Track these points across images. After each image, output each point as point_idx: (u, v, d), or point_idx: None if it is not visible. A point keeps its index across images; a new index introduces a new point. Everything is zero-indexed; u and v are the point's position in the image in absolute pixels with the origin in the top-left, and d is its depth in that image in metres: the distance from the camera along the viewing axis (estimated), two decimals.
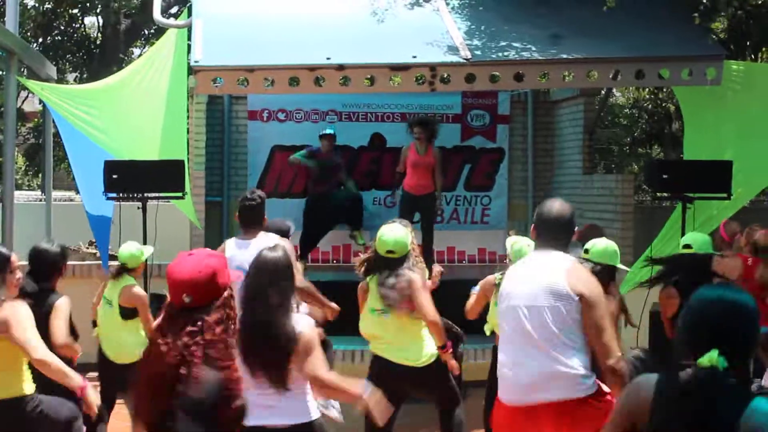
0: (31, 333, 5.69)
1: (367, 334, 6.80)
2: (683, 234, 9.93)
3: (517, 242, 7.49)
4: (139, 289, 7.93)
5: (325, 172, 12.59)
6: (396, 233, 6.70)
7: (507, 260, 7.52)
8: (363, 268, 6.80)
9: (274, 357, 4.84)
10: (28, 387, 5.85)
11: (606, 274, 6.57)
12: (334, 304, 7.62)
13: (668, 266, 7.41)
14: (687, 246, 7.48)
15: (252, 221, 7.69)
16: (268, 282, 4.94)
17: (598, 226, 9.52)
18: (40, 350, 5.67)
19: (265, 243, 6.00)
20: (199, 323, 3.58)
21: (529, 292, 5.00)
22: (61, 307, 6.76)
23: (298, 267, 6.79)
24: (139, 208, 9.91)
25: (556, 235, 5.22)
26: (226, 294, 3.71)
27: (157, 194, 10.06)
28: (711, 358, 3.14)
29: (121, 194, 9.80)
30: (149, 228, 9.86)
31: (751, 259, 8.64)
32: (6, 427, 5.69)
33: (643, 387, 3.39)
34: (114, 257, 10.82)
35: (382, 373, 6.61)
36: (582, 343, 4.93)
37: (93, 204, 10.41)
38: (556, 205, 5.31)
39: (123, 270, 7.95)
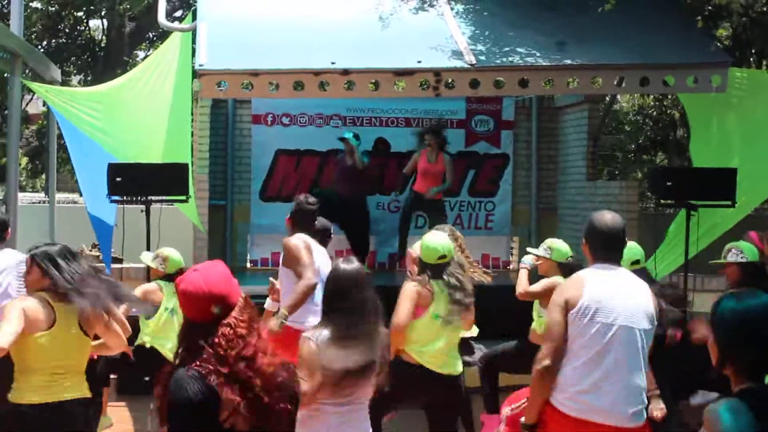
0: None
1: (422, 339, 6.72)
2: (687, 242, 9.93)
3: (555, 242, 7.83)
4: None
5: (342, 172, 12.60)
6: (441, 239, 6.73)
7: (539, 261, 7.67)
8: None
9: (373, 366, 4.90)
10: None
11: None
12: None
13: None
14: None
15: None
16: (365, 290, 5.02)
17: None
18: None
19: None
20: (210, 337, 3.66)
21: (630, 312, 4.95)
22: None
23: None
24: (142, 211, 9.91)
25: (620, 248, 5.21)
26: (236, 312, 3.75)
27: (160, 197, 10.05)
28: None
29: (124, 197, 9.81)
30: (153, 231, 9.86)
31: None
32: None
33: (731, 415, 3.28)
34: (117, 260, 10.86)
35: (423, 381, 6.57)
36: None
37: (96, 207, 10.41)
38: (610, 217, 5.22)
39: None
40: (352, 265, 5.09)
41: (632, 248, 7.24)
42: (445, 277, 6.49)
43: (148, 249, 9.76)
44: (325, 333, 4.84)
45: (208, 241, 11.90)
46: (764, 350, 3.22)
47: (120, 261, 11.41)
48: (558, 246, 7.76)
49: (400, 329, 6.33)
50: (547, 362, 4.94)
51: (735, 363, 3.31)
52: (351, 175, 12.53)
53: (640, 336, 4.92)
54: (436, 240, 6.66)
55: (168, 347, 7.91)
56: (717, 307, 3.44)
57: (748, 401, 3.23)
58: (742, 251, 7.37)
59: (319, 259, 7.39)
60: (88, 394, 5.45)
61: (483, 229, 14.08)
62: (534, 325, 7.83)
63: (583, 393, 4.91)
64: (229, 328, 3.67)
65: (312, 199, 7.77)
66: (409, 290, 6.46)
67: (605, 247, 5.14)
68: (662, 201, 10.36)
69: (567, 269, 7.35)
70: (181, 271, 8.13)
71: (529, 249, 8.17)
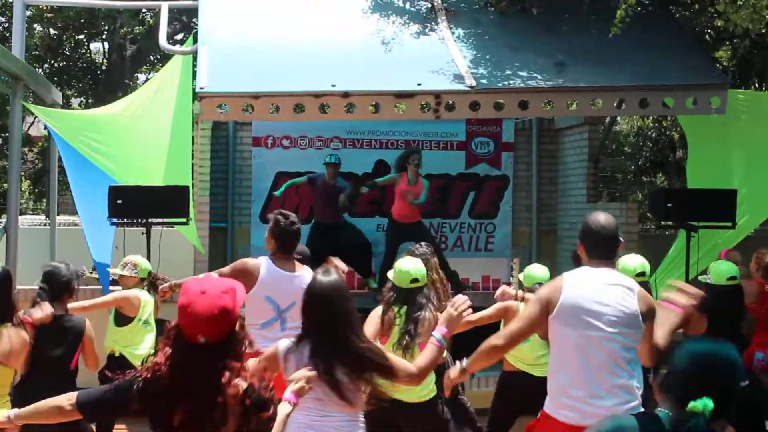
0: None
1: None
2: (688, 263, 9.93)
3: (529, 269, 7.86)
4: None
5: (329, 198, 12.59)
6: (414, 263, 6.70)
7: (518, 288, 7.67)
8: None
9: (356, 377, 4.83)
10: None
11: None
12: None
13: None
14: (732, 278, 7.45)
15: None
16: (339, 303, 4.92)
17: None
18: None
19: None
20: (221, 359, 3.63)
21: (610, 315, 4.96)
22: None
23: None
24: (143, 233, 9.91)
25: (613, 247, 5.23)
26: (237, 326, 3.72)
27: (161, 219, 10.06)
28: (705, 405, 3.20)
29: (125, 219, 9.82)
30: (153, 253, 9.86)
31: (767, 285, 8.73)
32: None
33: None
34: (115, 282, 10.84)
35: (394, 412, 6.52)
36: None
37: (93, 231, 10.40)
38: (604, 217, 5.25)
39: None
40: (330, 277, 5.01)
41: (637, 261, 7.36)
42: (409, 304, 6.50)
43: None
44: (302, 344, 4.84)
45: (209, 263, 11.88)
46: (695, 386, 3.32)
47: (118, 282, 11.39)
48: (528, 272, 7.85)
49: None
50: (498, 342, 5.17)
51: (669, 392, 3.42)
52: (332, 195, 12.57)
53: (622, 338, 4.93)
54: (408, 264, 6.66)
55: (137, 353, 7.90)
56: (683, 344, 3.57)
57: (643, 423, 3.43)
58: (709, 273, 7.49)
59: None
60: None
61: (483, 251, 14.08)
62: None
63: (573, 400, 4.97)
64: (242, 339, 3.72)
65: (293, 218, 7.32)
66: (373, 314, 6.55)
67: (598, 247, 5.18)
68: (662, 222, 10.37)
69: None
70: (151, 276, 8.22)
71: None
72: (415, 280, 6.58)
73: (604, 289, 5.02)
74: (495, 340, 5.17)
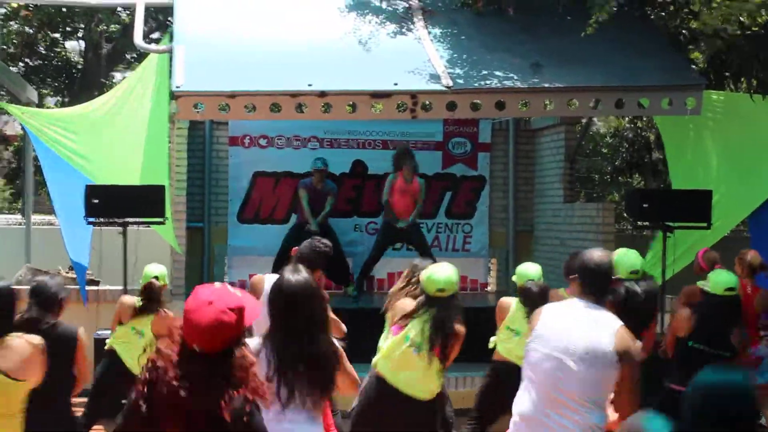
0: None
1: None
2: (664, 263, 9.98)
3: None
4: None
5: (316, 201, 12.56)
6: (448, 271, 6.67)
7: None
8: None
9: (319, 378, 4.83)
10: None
11: None
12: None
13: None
14: (730, 289, 7.43)
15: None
16: (304, 303, 4.89)
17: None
18: None
19: None
20: (218, 369, 3.62)
21: (573, 348, 4.91)
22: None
23: None
24: (119, 233, 9.88)
25: (599, 285, 5.14)
26: (241, 339, 3.73)
27: (137, 219, 10.03)
28: None
29: (101, 219, 9.78)
30: (130, 253, 9.83)
31: (750, 287, 8.78)
32: None
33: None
34: (93, 282, 10.82)
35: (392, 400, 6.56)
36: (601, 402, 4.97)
37: (71, 230, 10.37)
38: (597, 254, 5.19)
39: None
40: (298, 275, 4.99)
41: (630, 257, 7.16)
42: (434, 312, 6.49)
43: (125, 271, 9.73)
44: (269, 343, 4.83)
45: (186, 263, 11.86)
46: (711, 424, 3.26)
47: (96, 283, 11.37)
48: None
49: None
50: None
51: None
52: (320, 200, 12.55)
53: (578, 371, 4.86)
54: (440, 272, 6.63)
55: (130, 362, 7.90)
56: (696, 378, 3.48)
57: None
58: (708, 281, 7.51)
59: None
60: None
61: (461, 251, 14.09)
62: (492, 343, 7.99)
63: (517, 419, 5.06)
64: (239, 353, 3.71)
65: (326, 241, 7.46)
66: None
67: (590, 284, 5.12)
68: (639, 223, 10.41)
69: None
70: (152, 285, 8.16)
71: None
72: (442, 290, 6.55)
73: (578, 324, 4.97)
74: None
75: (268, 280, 7.05)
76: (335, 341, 5.04)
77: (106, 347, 8.25)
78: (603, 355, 4.85)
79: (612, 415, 4.96)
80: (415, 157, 12.46)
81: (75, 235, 10.42)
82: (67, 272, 12.26)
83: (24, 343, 5.09)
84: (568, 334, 4.94)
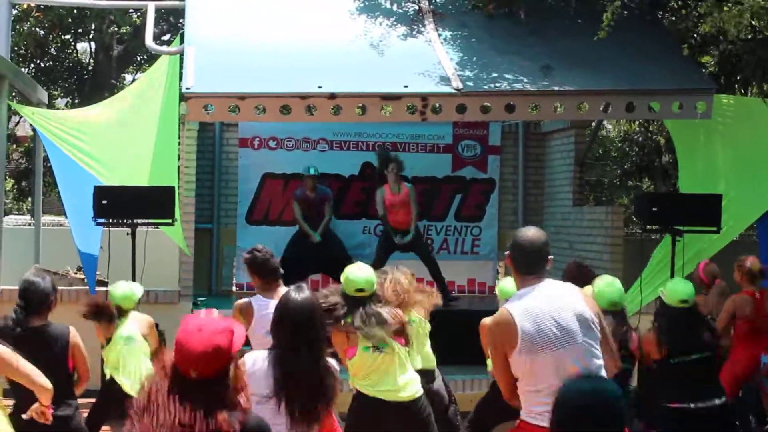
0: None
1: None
2: (673, 267, 9.95)
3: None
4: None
5: (309, 209, 12.55)
6: (365, 272, 6.62)
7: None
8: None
9: (315, 396, 4.83)
10: None
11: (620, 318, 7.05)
12: None
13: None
14: (684, 301, 7.38)
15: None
16: (308, 323, 4.91)
17: (584, 265, 9.34)
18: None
19: None
20: (212, 395, 3.63)
21: (565, 331, 4.91)
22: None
23: None
24: (128, 234, 9.88)
25: (543, 261, 5.13)
26: (232, 366, 3.74)
27: (146, 220, 10.03)
28: None
29: (110, 220, 9.78)
30: (138, 254, 9.83)
31: (758, 293, 8.76)
32: None
33: None
34: (102, 283, 10.82)
35: (382, 411, 6.51)
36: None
37: (81, 231, 10.38)
38: (532, 232, 5.21)
39: (120, 312, 7.91)
40: (302, 294, 4.99)
41: (612, 288, 7.20)
42: (360, 311, 6.39)
43: (134, 272, 9.72)
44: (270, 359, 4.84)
45: (194, 264, 11.87)
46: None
47: (105, 284, 11.36)
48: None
49: None
50: (512, 401, 5.12)
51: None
52: (317, 208, 12.53)
53: (582, 347, 4.90)
54: (357, 272, 6.57)
55: (128, 383, 7.71)
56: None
57: None
58: (664, 291, 7.46)
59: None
60: None
61: (469, 254, 14.09)
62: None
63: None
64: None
65: (260, 246, 7.40)
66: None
67: (527, 262, 5.12)
68: (648, 226, 10.38)
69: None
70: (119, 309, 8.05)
71: None
72: (361, 290, 6.48)
73: (547, 310, 4.95)
74: (510, 401, 5.16)
75: (255, 304, 7.07)
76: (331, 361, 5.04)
77: (106, 376, 8.17)
78: (586, 319, 4.93)
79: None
80: (396, 160, 12.20)
81: (85, 236, 10.43)
82: (76, 273, 12.27)
83: None
84: (553, 323, 4.91)
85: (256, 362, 4.83)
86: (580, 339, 4.90)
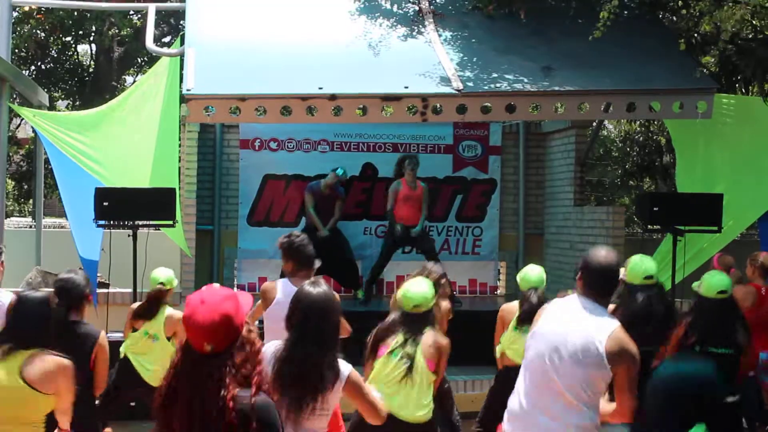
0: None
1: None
2: (674, 267, 9.96)
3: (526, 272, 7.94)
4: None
5: (325, 205, 12.55)
6: (423, 288, 6.51)
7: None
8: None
9: (318, 395, 4.78)
10: None
11: None
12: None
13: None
14: (723, 292, 7.38)
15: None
16: (318, 319, 4.86)
17: None
18: None
19: None
20: (226, 368, 3.62)
21: (563, 342, 4.89)
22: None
23: None
24: (129, 235, 9.88)
25: (608, 285, 5.07)
26: (244, 332, 3.73)
27: (147, 222, 10.04)
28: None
29: (111, 222, 9.78)
30: (139, 256, 9.83)
31: (764, 288, 8.75)
32: None
33: None
34: (103, 284, 10.83)
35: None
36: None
37: (82, 233, 10.38)
38: (602, 254, 5.11)
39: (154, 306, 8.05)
40: (318, 288, 4.94)
41: (645, 263, 7.10)
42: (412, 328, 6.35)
43: (135, 274, 9.74)
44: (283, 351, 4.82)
45: (195, 265, 11.88)
46: (679, 412, 3.30)
47: (107, 286, 11.38)
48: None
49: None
50: None
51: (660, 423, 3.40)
52: (328, 205, 12.55)
53: (569, 369, 4.83)
54: (416, 289, 6.46)
55: (148, 368, 7.92)
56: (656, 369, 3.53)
57: None
58: (701, 283, 7.43)
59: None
60: None
61: (470, 255, 14.09)
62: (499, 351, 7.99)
63: (519, 414, 5.01)
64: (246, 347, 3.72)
65: (297, 232, 7.38)
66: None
67: (592, 283, 5.04)
68: (649, 226, 10.38)
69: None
70: (159, 291, 8.14)
71: None
72: (417, 306, 6.39)
73: (574, 322, 4.92)
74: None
75: (280, 285, 7.05)
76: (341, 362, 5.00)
77: (120, 355, 8.23)
78: (596, 354, 4.79)
79: (608, 405, 4.94)
80: (418, 162, 12.38)
81: (86, 238, 10.44)
82: None
83: (53, 359, 5.10)
84: (563, 332, 4.91)
85: (266, 353, 4.81)
86: (570, 365, 4.82)
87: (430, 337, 6.34)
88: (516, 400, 5.06)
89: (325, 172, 12.85)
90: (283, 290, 7.00)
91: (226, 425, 3.56)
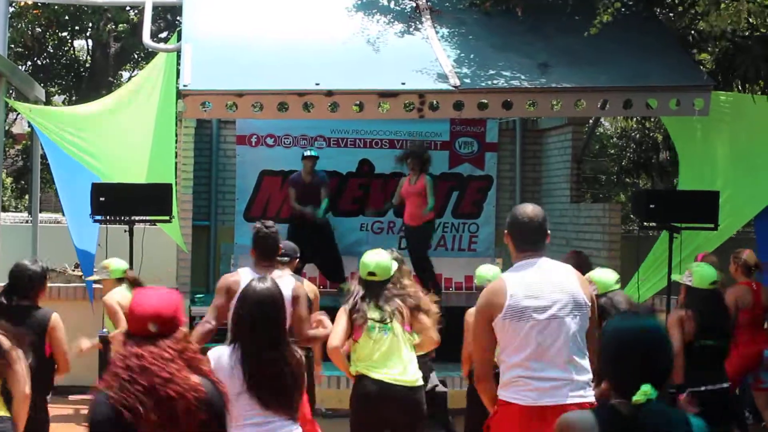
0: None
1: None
2: (670, 264, 9.96)
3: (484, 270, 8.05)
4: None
5: (306, 195, 12.55)
6: (379, 257, 6.68)
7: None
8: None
9: (287, 387, 4.84)
10: None
11: None
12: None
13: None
14: (714, 282, 7.50)
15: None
16: (269, 313, 4.90)
17: (583, 253, 9.56)
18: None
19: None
20: (168, 344, 3.70)
21: (559, 304, 4.96)
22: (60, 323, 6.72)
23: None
24: (125, 231, 9.88)
25: (541, 238, 5.19)
26: (184, 330, 3.83)
27: (144, 217, 10.04)
28: (645, 392, 3.25)
29: (108, 217, 9.79)
30: (136, 251, 9.84)
31: (755, 284, 8.82)
32: None
33: (578, 426, 3.46)
34: (99, 280, 10.82)
35: (382, 394, 6.48)
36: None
37: (78, 228, 10.39)
38: (531, 208, 5.24)
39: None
40: (264, 284, 4.99)
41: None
42: (373, 297, 6.50)
43: (131, 269, 9.74)
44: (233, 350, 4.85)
45: (192, 261, 11.88)
46: (630, 370, 3.36)
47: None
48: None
49: (331, 350, 6.43)
50: (481, 382, 5.19)
51: (609, 379, 3.48)
52: (313, 193, 12.53)
53: (572, 323, 4.94)
54: (371, 257, 6.66)
55: None
56: (606, 324, 3.62)
57: (600, 417, 3.42)
58: (691, 274, 7.50)
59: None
60: (5, 413, 5.47)
61: (467, 251, 14.09)
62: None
63: (530, 380, 4.96)
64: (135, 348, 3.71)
65: (269, 223, 7.25)
66: (339, 313, 6.57)
67: (527, 238, 5.17)
68: (645, 223, 10.38)
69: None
70: (131, 279, 8.22)
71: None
72: (372, 273, 6.56)
73: (545, 281, 5.02)
74: (479, 381, 5.24)
75: (243, 276, 6.67)
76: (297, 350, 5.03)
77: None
78: (581, 300, 4.99)
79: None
80: (421, 156, 12.36)
81: (82, 233, 10.44)
82: (74, 270, 12.27)
83: None
84: (548, 294, 4.97)
85: (221, 359, 4.82)
86: (566, 316, 4.94)
87: (393, 304, 6.48)
88: (523, 362, 4.98)
89: (322, 169, 12.85)
90: (245, 282, 6.97)
91: (184, 407, 3.61)
